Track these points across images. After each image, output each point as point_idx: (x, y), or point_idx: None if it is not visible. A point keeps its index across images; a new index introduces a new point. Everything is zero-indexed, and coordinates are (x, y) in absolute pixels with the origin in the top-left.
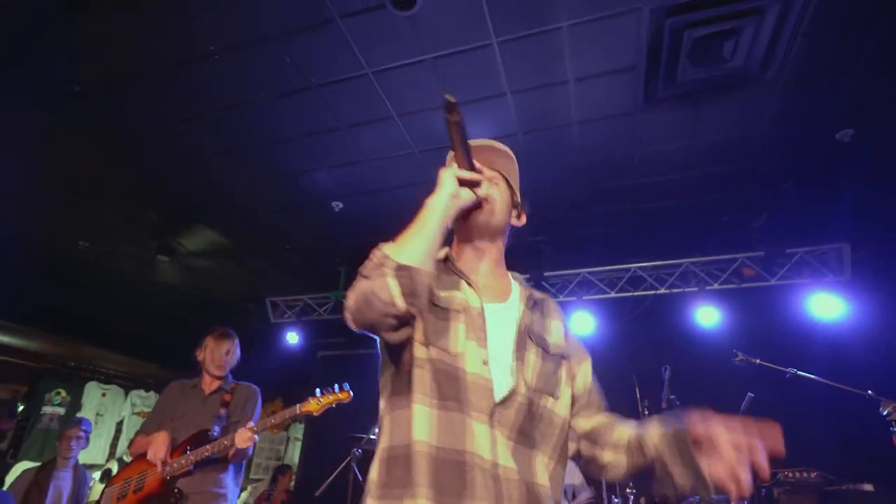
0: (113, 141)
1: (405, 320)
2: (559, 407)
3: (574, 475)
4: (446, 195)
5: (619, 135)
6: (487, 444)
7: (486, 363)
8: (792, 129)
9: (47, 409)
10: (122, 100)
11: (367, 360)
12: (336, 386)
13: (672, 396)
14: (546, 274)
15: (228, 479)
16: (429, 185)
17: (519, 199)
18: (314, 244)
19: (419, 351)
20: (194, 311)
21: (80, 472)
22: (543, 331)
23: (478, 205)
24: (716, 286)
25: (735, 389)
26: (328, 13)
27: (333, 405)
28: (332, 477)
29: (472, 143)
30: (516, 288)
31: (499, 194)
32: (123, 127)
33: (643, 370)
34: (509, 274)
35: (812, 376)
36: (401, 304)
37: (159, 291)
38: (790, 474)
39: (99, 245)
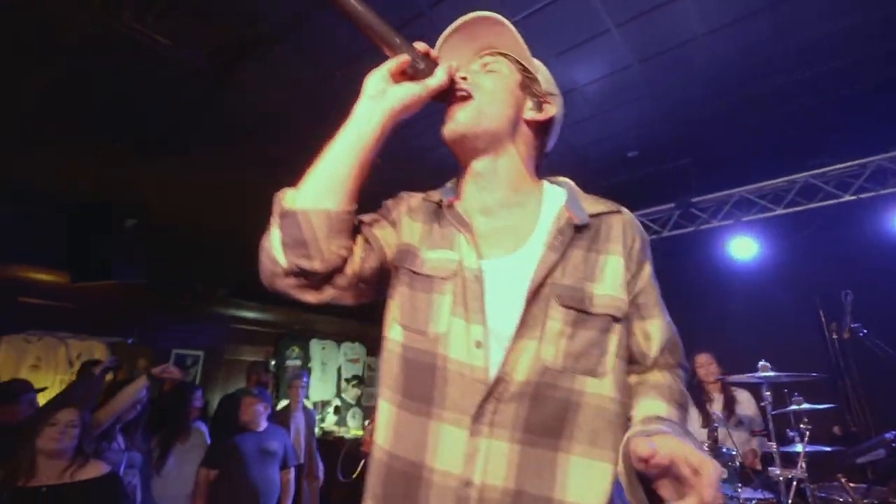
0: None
1: (318, 278)
2: (605, 387)
3: (748, 405)
4: (364, 103)
5: (757, 33)
6: (460, 455)
7: (479, 345)
8: None
9: (289, 363)
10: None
11: None
12: None
13: (855, 325)
14: (694, 200)
15: None
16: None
17: (538, 82)
18: None
19: (392, 331)
20: None
21: (308, 412)
22: (585, 275)
23: (449, 94)
24: None
25: None
26: (416, 7)
27: None
28: None
29: (451, 28)
30: (547, 217)
31: (491, 82)
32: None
33: (826, 293)
34: (545, 194)
35: None
36: (282, 260)
37: None
38: None
39: None
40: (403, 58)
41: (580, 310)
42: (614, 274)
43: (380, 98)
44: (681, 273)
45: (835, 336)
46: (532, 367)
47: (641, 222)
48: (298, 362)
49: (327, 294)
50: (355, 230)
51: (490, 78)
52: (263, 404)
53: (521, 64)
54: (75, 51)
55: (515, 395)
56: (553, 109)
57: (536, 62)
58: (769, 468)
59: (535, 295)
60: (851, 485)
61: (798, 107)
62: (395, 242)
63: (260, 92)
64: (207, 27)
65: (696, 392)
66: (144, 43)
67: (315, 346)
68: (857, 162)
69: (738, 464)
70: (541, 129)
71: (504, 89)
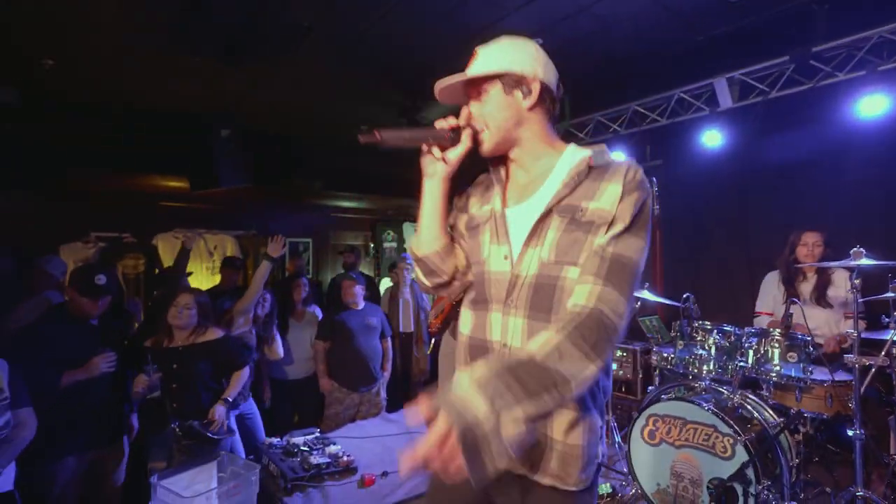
0: (346, 51)
1: (448, 283)
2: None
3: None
4: (426, 181)
5: None
6: (499, 329)
7: (506, 257)
8: None
9: (386, 245)
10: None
11: None
12: None
13: None
14: (817, 49)
15: None
16: None
17: (525, 78)
18: None
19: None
20: None
21: (416, 289)
22: (586, 197)
23: (473, 141)
24: None
25: None
26: None
27: None
28: None
29: (445, 82)
30: (562, 168)
31: (488, 108)
32: (345, 38)
33: None
34: (564, 155)
35: None
36: (426, 282)
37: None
38: None
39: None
40: (436, 146)
41: (573, 217)
42: (609, 196)
43: (433, 175)
44: (791, 143)
45: None
46: (533, 265)
47: (745, 83)
48: (395, 244)
49: (456, 286)
50: (453, 245)
51: (486, 105)
52: (360, 286)
53: (503, 73)
54: None
55: (524, 286)
56: (537, 86)
57: (516, 43)
58: (846, 355)
59: (543, 217)
60: None
61: None
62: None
63: None
64: None
65: (791, 270)
66: None
67: (408, 228)
68: None
69: (811, 349)
70: (541, 101)
71: (498, 106)
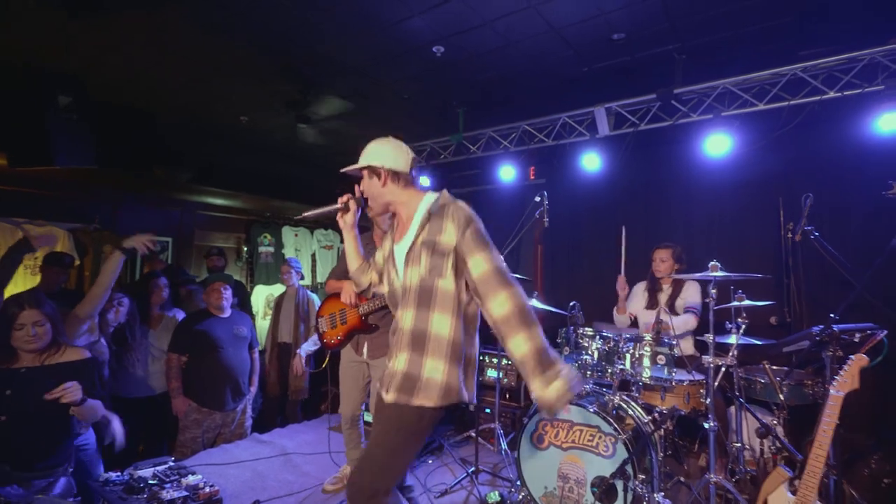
0: (232, 22)
1: (366, 290)
2: (446, 284)
3: (694, 294)
4: (343, 232)
5: None
6: (400, 318)
7: (398, 277)
8: None
9: (262, 249)
10: None
11: (492, 194)
12: None
13: (808, 227)
14: (677, 91)
15: None
16: (523, 13)
17: (378, 168)
18: (426, 91)
19: (386, 284)
20: (341, 164)
21: (302, 293)
22: (437, 233)
23: (362, 211)
24: None
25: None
26: None
27: None
28: None
29: (346, 170)
30: (418, 218)
31: (365, 187)
32: (234, 5)
33: (791, 195)
34: (420, 207)
35: None
36: (357, 291)
37: (309, 150)
38: None
39: (256, 119)
40: (339, 214)
41: (433, 249)
42: (450, 232)
43: (344, 228)
44: (654, 170)
45: (789, 236)
46: (414, 278)
47: (619, 114)
48: (272, 249)
49: (371, 292)
50: (367, 265)
51: (364, 185)
52: (224, 292)
53: (364, 167)
54: None
55: (410, 292)
56: (384, 172)
57: (380, 145)
58: (703, 356)
59: (411, 248)
60: (774, 368)
61: None
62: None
63: None
64: None
65: (651, 281)
66: None
67: (287, 232)
68: (849, 55)
69: (674, 352)
70: (393, 180)
71: (369, 186)
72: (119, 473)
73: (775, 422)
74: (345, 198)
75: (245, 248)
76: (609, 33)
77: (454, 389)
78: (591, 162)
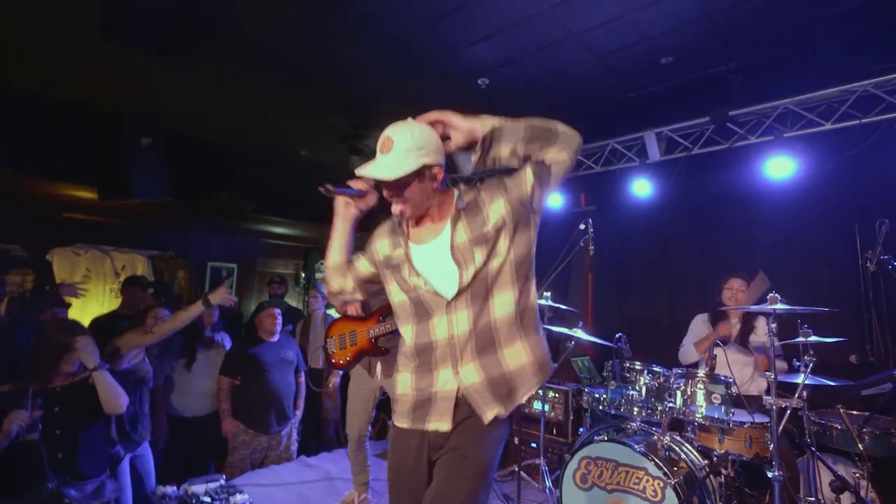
0: (290, 64)
1: (338, 292)
2: (501, 260)
3: (764, 333)
4: (337, 217)
5: None
6: (445, 327)
7: (426, 283)
8: None
9: (318, 276)
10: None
11: (541, 221)
12: None
13: (885, 256)
14: (733, 113)
15: None
16: (565, 42)
17: (433, 168)
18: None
19: (395, 295)
20: None
21: (326, 318)
22: (481, 225)
23: (370, 208)
24: None
25: None
26: None
27: None
28: None
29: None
30: (449, 218)
31: (410, 195)
32: (290, 50)
33: (865, 220)
34: (453, 208)
35: None
36: (333, 288)
37: None
38: None
39: (314, 152)
40: (352, 200)
41: (483, 238)
42: (497, 208)
43: (342, 216)
44: (710, 195)
45: (868, 265)
46: (470, 277)
47: (671, 138)
48: None
49: (346, 298)
50: (350, 266)
51: (410, 194)
52: (279, 316)
53: (417, 170)
54: None
55: (463, 295)
56: (439, 171)
57: (424, 135)
58: (765, 396)
59: (454, 250)
60: (854, 412)
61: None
62: (370, 260)
63: None
64: None
65: (715, 313)
66: None
67: None
68: None
69: (733, 391)
70: (443, 179)
71: (419, 193)
72: (175, 488)
73: (858, 475)
74: (363, 185)
75: (303, 275)
76: (656, 57)
77: (545, 362)
78: (642, 188)
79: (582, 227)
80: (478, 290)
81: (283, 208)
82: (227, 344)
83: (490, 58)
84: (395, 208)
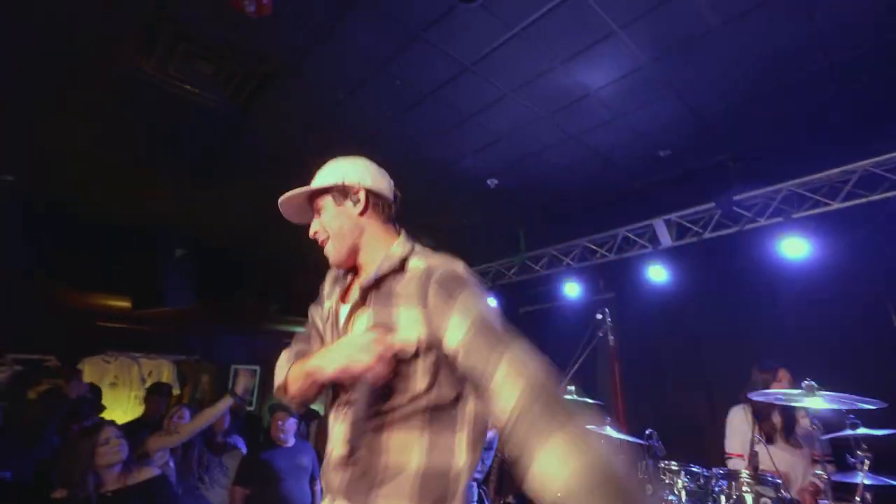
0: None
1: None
2: None
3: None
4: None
5: (785, 19)
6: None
7: None
8: None
9: None
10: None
11: (559, 311)
12: None
13: None
14: (737, 198)
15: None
16: (565, 143)
17: (345, 186)
18: (485, 217)
19: None
20: None
21: None
22: (387, 318)
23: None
24: None
25: None
26: (410, 32)
27: None
28: None
29: (287, 197)
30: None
31: (328, 220)
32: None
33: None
34: (378, 259)
35: None
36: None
37: None
38: None
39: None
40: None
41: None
42: (407, 319)
43: None
44: (727, 278)
45: None
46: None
47: (680, 224)
48: None
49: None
50: None
51: (325, 218)
52: (293, 419)
53: (331, 186)
54: (118, 103)
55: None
56: (362, 194)
57: (346, 159)
58: (820, 501)
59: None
60: None
61: (841, 90)
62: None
63: (281, 121)
64: (222, 70)
65: (764, 407)
66: (174, 90)
67: None
68: None
69: (784, 492)
70: (373, 204)
71: (334, 216)
72: None
73: None
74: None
75: None
76: (654, 151)
77: None
78: (658, 274)
79: (599, 316)
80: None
81: (306, 309)
82: (242, 447)
83: (496, 161)
84: (311, 230)
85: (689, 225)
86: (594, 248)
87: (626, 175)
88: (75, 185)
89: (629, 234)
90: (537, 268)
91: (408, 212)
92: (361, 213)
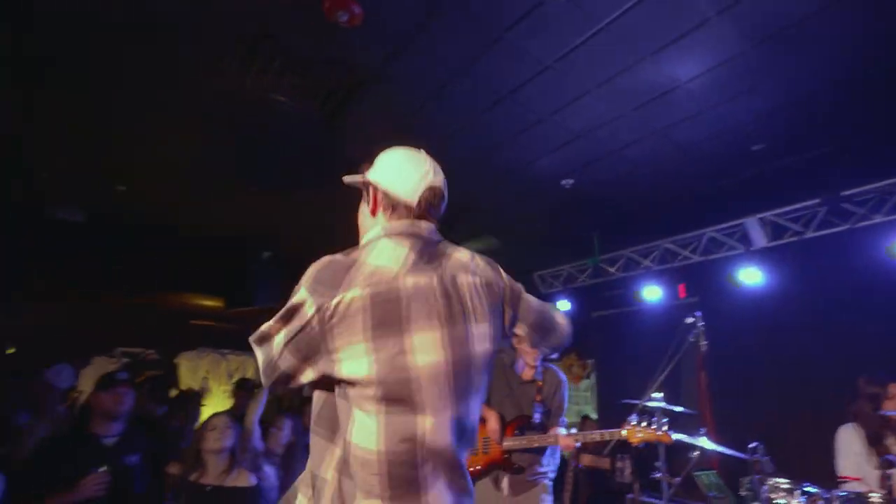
0: None
1: None
2: None
3: None
4: None
5: None
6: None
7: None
8: None
9: None
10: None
11: (637, 315)
12: (655, 423)
13: None
14: (846, 193)
15: (547, 457)
16: (648, 139)
17: (369, 188)
18: (559, 218)
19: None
20: None
21: None
22: None
23: None
24: None
25: None
26: (494, 33)
27: (653, 443)
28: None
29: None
30: None
31: (359, 216)
32: None
33: None
34: None
35: None
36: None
37: None
38: None
39: None
40: None
41: None
42: None
43: None
44: (833, 279)
45: None
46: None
47: (776, 223)
48: None
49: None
50: None
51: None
52: None
53: (357, 182)
54: (215, 119)
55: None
56: (372, 192)
57: (377, 159)
58: None
59: None
60: None
61: None
62: None
63: (364, 128)
64: (313, 82)
65: (879, 426)
66: (267, 104)
67: None
68: None
69: None
70: (384, 205)
71: (360, 213)
72: None
73: None
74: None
75: None
76: (746, 145)
77: None
78: (751, 276)
79: (690, 320)
80: None
81: None
82: None
83: (573, 160)
84: None
85: (786, 224)
86: (677, 249)
87: (713, 171)
88: (175, 197)
89: (716, 235)
90: (612, 270)
91: (480, 212)
92: (373, 213)
